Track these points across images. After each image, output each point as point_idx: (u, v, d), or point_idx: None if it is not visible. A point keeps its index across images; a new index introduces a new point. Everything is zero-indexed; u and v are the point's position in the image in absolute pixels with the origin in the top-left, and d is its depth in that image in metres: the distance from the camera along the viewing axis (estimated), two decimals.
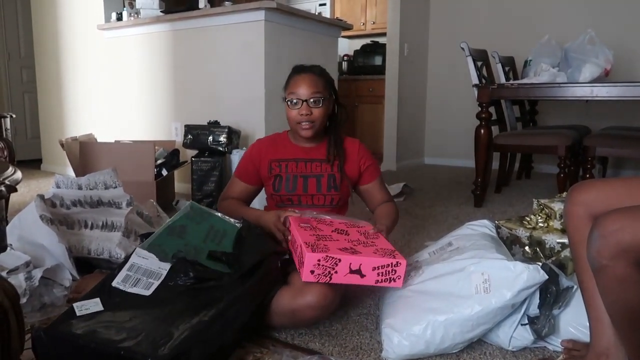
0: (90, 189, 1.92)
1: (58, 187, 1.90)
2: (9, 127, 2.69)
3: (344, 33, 3.90)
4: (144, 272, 1.31)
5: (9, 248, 1.57)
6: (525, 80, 3.01)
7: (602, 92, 2.62)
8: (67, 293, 1.57)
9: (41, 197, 1.78)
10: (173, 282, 1.29)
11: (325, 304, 1.31)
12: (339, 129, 1.66)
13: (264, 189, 1.71)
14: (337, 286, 1.39)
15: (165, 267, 1.31)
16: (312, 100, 1.52)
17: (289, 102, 1.55)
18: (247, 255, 1.39)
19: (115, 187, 1.95)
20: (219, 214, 1.55)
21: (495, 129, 3.17)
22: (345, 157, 1.63)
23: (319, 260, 1.24)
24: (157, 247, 1.38)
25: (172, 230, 1.45)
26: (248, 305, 1.25)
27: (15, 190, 0.76)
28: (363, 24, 5.45)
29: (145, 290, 1.27)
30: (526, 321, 1.25)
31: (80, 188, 1.91)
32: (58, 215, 1.79)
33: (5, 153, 2.19)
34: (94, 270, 1.77)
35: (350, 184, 1.65)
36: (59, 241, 1.64)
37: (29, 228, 1.69)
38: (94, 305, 1.19)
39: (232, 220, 1.53)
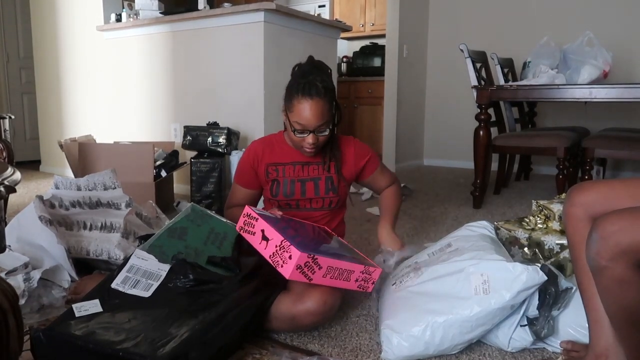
0: (89, 190, 1.91)
1: (57, 187, 1.90)
2: (7, 128, 2.69)
3: (343, 34, 3.90)
4: (144, 273, 1.31)
5: (7, 249, 1.56)
6: (524, 82, 3.01)
7: (601, 93, 2.63)
8: (65, 294, 1.57)
9: (40, 198, 1.78)
10: (172, 284, 1.29)
11: (325, 310, 1.31)
12: (335, 131, 1.61)
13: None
14: (337, 292, 1.39)
15: (165, 268, 1.31)
16: (318, 130, 1.46)
17: (293, 130, 1.47)
18: (247, 258, 1.39)
19: (114, 188, 1.94)
20: (220, 217, 1.55)
21: (494, 131, 3.17)
22: (342, 158, 1.60)
23: (306, 262, 1.22)
24: (157, 249, 1.38)
25: (173, 231, 1.45)
26: (247, 307, 1.25)
27: (14, 190, 0.75)
28: (362, 26, 5.45)
29: (144, 291, 1.27)
30: (525, 322, 1.26)
31: (79, 189, 1.91)
32: (57, 216, 1.79)
33: (4, 154, 2.18)
34: (92, 271, 1.77)
35: (348, 184, 1.65)
36: (58, 242, 1.63)
37: (28, 229, 1.69)
38: (93, 306, 1.19)
39: (232, 223, 1.53)
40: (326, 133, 1.48)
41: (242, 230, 1.38)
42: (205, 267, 1.36)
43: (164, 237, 1.44)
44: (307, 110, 1.43)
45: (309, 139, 1.47)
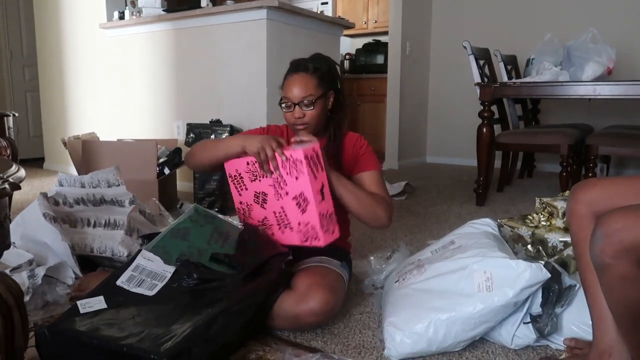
0: (93, 187, 1.92)
1: (61, 185, 1.91)
2: (11, 125, 2.69)
3: (345, 32, 3.90)
4: (149, 273, 1.31)
5: (12, 246, 1.57)
6: (527, 79, 3.00)
7: (605, 90, 2.62)
8: (69, 291, 1.58)
9: (44, 195, 1.79)
10: (177, 284, 1.29)
11: (328, 310, 1.32)
12: (340, 122, 1.57)
13: None
14: (340, 292, 1.39)
15: (170, 270, 1.32)
16: (303, 103, 1.47)
17: (282, 105, 1.51)
18: (250, 256, 1.39)
19: (118, 185, 1.95)
20: (223, 217, 1.55)
21: (497, 128, 3.16)
22: (343, 151, 1.56)
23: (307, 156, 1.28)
24: (160, 249, 1.39)
25: (176, 232, 1.46)
26: (250, 305, 1.25)
27: (19, 188, 0.76)
28: (365, 23, 5.44)
29: (148, 290, 1.27)
30: (529, 320, 1.26)
31: (83, 186, 1.92)
32: (61, 213, 1.79)
33: (8, 151, 2.19)
34: (96, 268, 1.77)
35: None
36: (62, 239, 1.64)
37: (32, 226, 1.69)
38: (98, 303, 1.20)
39: (235, 222, 1.53)
40: (312, 109, 1.47)
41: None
42: (208, 266, 1.37)
43: (167, 237, 1.45)
44: (291, 81, 1.48)
45: (295, 112, 1.47)
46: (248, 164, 1.40)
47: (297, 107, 1.47)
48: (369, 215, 1.46)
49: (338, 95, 1.55)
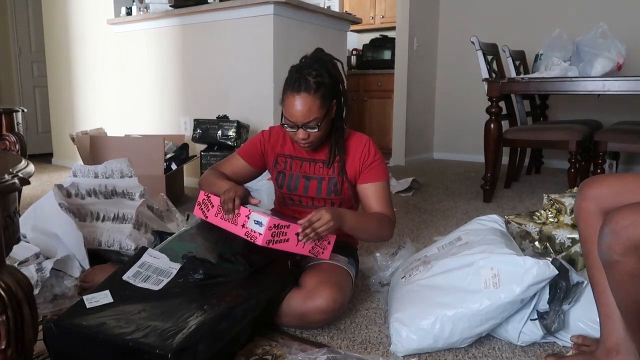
0: (106, 178, 1.94)
1: (75, 175, 1.92)
2: (20, 121, 2.71)
3: (353, 27, 3.88)
4: (155, 270, 1.32)
5: (22, 239, 1.59)
6: (536, 75, 2.98)
7: (614, 86, 2.59)
8: (77, 283, 1.59)
9: (59, 186, 1.81)
10: (183, 279, 1.30)
11: (335, 308, 1.32)
12: (342, 129, 1.52)
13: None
14: (347, 290, 1.40)
15: (176, 267, 1.33)
16: (308, 126, 1.42)
17: (285, 126, 1.46)
18: (257, 255, 1.39)
19: (131, 176, 1.97)
20: None
21: (505, 124, 3.15)
22: (348, 155, 1.52)
23: (273, 225, 1.28)
24: (169, 250, 1.40)
25: (184, 237, 1.48)
26: (257, 302, 1.25)
27: (28, 182, 0.76)
28: (372, 18, 5.42)
29: (154, 285, 1.28)
30: (535, 316, 1.25)
31: (96, 176, 1.93)
32: (73, 205, 1.81)
33: (17, 147, 2.20)
34: (104, 262, 1.79)
35: (352, 184, 1.54)
36: (77, 229, 1.65)
37: (45, 217, 1.70)
38: (104, 297, 1.21)
39: None
40: (316, 130, 1.42)
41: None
42: (215, 263, 1.37)
43: (175, 241, 1.47)
44: (294, 102, 1.41)
45: (300, 134, 1.43)
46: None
47: (300, 129, 1.43)
48: (375, 239, 1.63)
49: (340, 98, 1.49)
